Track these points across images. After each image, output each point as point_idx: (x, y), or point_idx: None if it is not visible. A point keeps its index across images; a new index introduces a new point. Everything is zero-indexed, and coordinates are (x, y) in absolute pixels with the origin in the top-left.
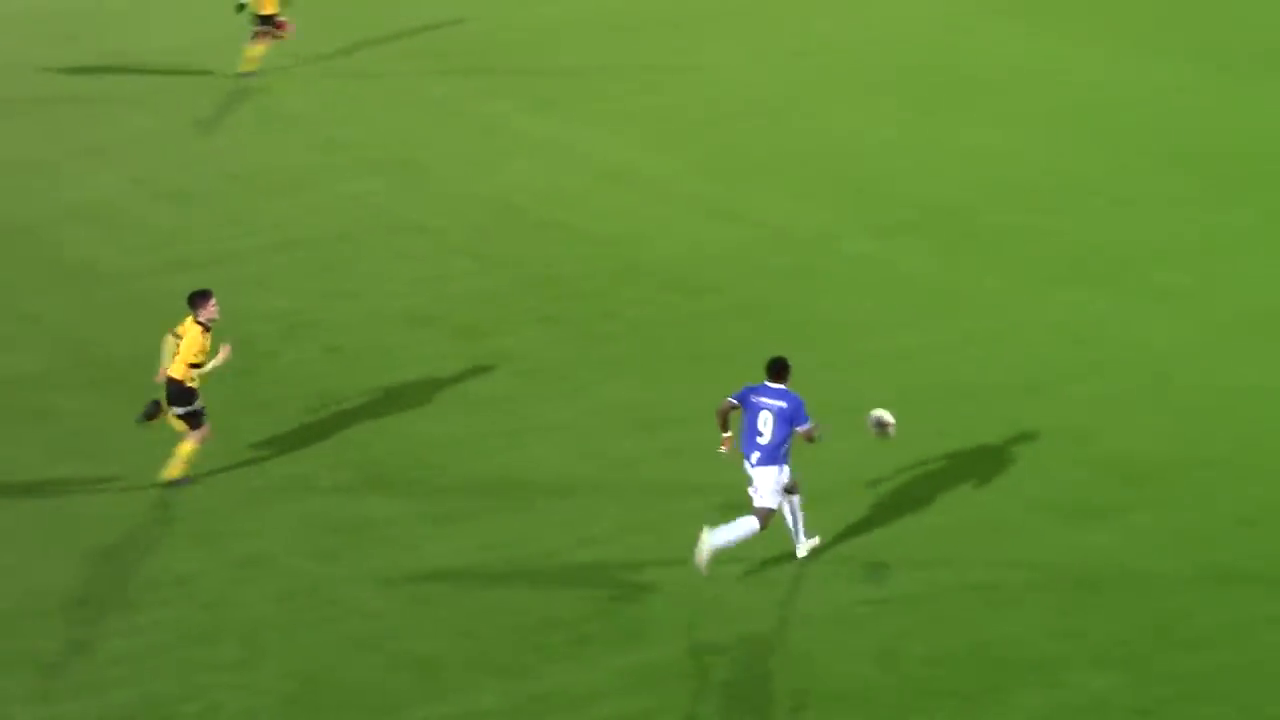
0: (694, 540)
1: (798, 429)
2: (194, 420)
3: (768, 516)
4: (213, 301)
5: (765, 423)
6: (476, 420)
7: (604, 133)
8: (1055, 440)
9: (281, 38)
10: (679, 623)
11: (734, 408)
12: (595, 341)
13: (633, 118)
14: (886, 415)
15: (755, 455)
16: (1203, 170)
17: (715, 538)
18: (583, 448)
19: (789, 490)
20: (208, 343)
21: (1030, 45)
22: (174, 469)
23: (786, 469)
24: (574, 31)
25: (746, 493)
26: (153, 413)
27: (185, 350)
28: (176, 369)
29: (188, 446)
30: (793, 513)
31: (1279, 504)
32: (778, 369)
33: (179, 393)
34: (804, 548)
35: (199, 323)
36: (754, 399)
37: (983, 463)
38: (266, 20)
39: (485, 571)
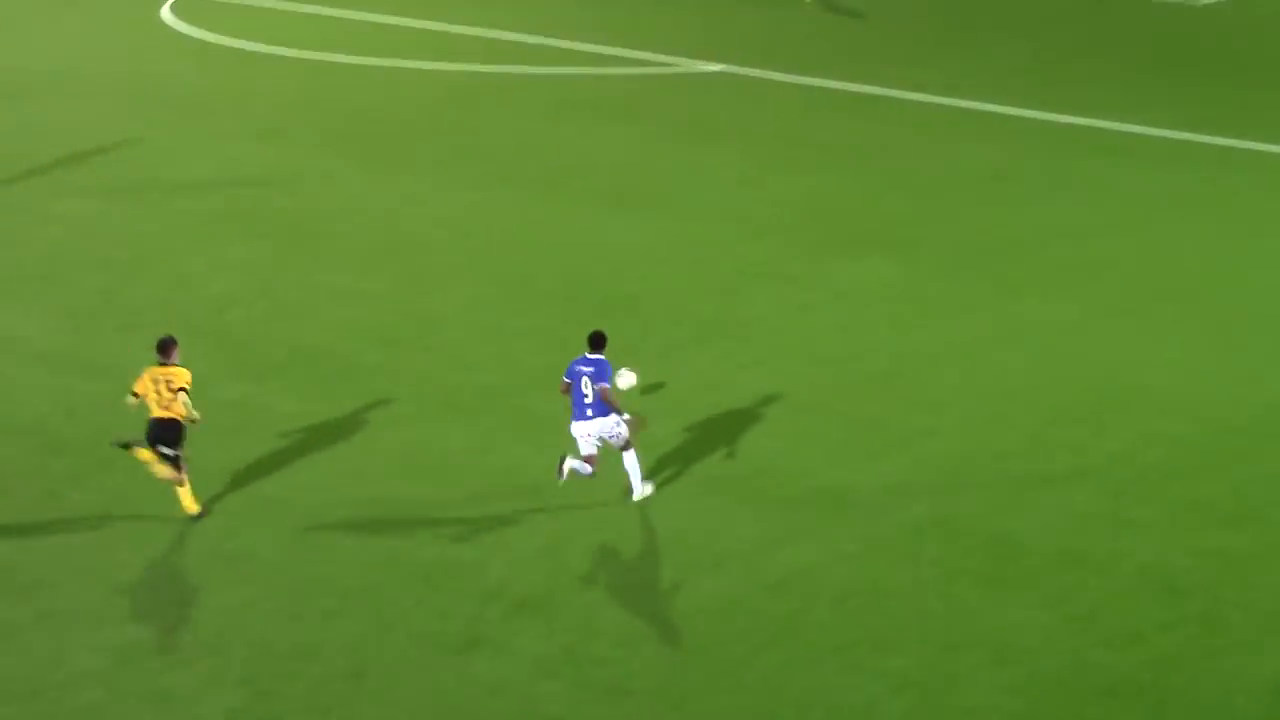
0: None
1: (596, 385)
2: (177, 462)
3: (594, 459)
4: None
5: (586, 385)
6: None
7: None
8: (438, 569)
9: None
10: None
11: (570, 385)
12: None
13: None
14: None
15: (589, 412)
16: (554, 302)
17: (573, 463)
18: None
19: (624, 446)
20: None
21: (370, 184)
22: (191, 504)
23: (614, 418)
24: None
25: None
26: (132, 444)
27: (181, 382)
28: (175, 410)
29: (185, 486)
30: (630, 467)
31: (576, 651)
32: (596, 341)
33: (178, 432)
34: (640, 493)
35: (177, 365)
36: (577, 369)
37: (368, 600)
38: None
39: None
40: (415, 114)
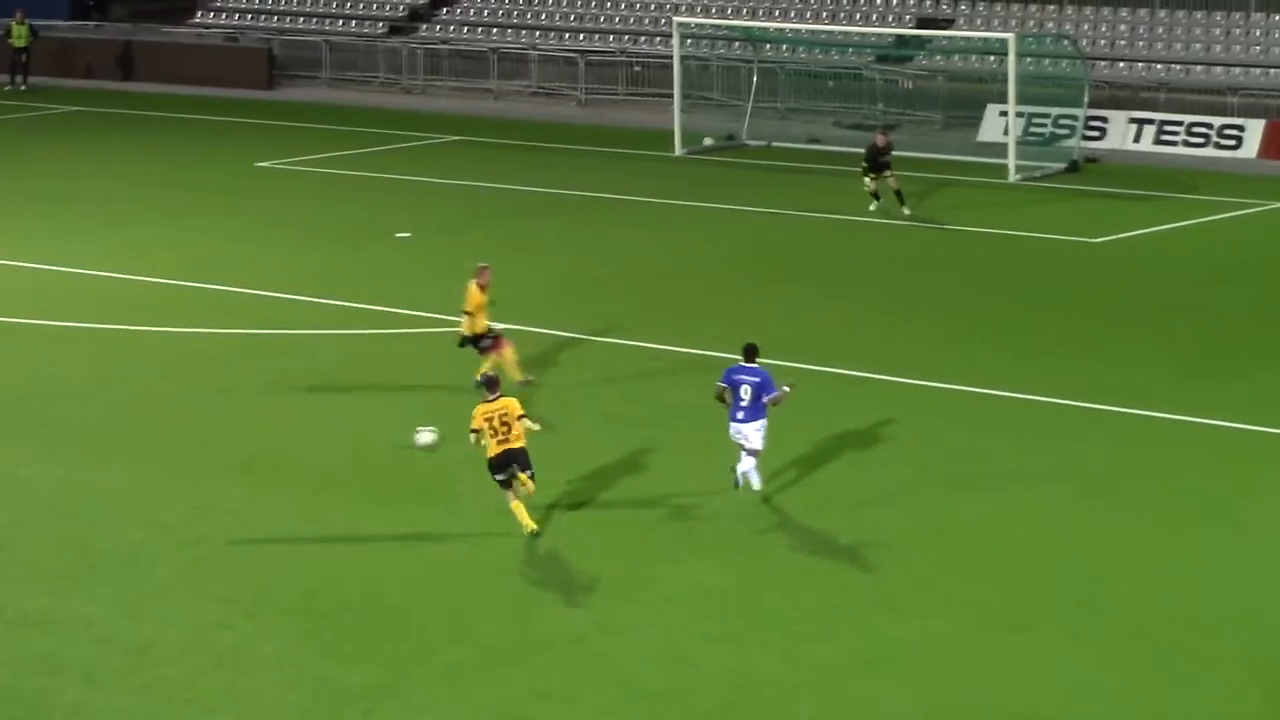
0: None
1: (765, 398)
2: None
3: (758, 453)
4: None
5: (745, 392)
6: None
7: None
8: None
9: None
10: None
11: (725, 389)
12: None
13: None
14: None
15: (740, 415)
16: (302, 621)
17: (754, 478)
18: None
19: (754, 453)
20: None
21: (61, 478)
22: (528, 522)
23: (762, 423)
24: None
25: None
26: (507, 479)
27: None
28: (515, 437)
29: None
30: (750, 468)
31: None
32: (751, 352)
33: (526, 456)
34: (757, 485)
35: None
36: (737, 378)
37: None
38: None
39: None
40: (127, 389)
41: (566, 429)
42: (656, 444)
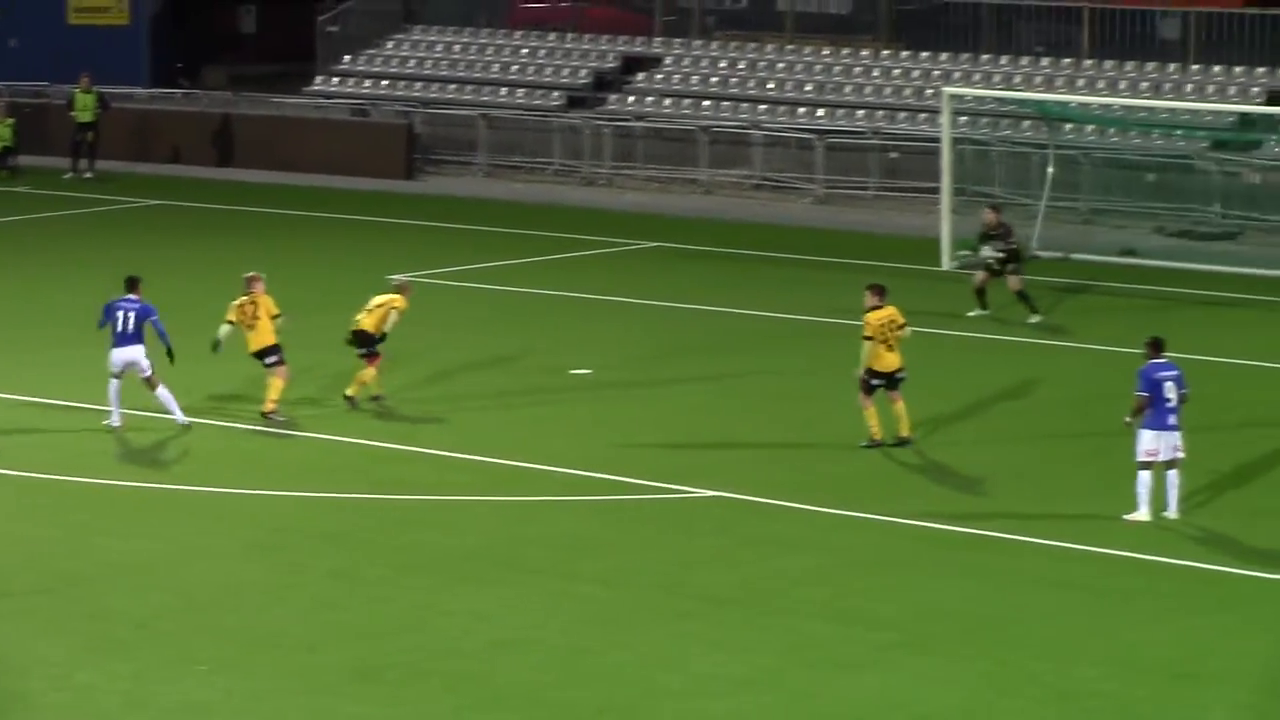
0: None
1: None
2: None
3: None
4: None
5: (1170, 390)
6: None
7: None
8: None
9: None
10: None
11: (1148, 398)
12: None
13: None
14: None
15: (1172, 419)
16: None
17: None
18: None
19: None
20: None
21: None
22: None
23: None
24: None
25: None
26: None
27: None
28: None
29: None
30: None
31: None
32: (1157, 345)
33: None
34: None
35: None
36: (1159, 375)
37: None
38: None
39: None
40: (205, 571)
41: None
42: None
